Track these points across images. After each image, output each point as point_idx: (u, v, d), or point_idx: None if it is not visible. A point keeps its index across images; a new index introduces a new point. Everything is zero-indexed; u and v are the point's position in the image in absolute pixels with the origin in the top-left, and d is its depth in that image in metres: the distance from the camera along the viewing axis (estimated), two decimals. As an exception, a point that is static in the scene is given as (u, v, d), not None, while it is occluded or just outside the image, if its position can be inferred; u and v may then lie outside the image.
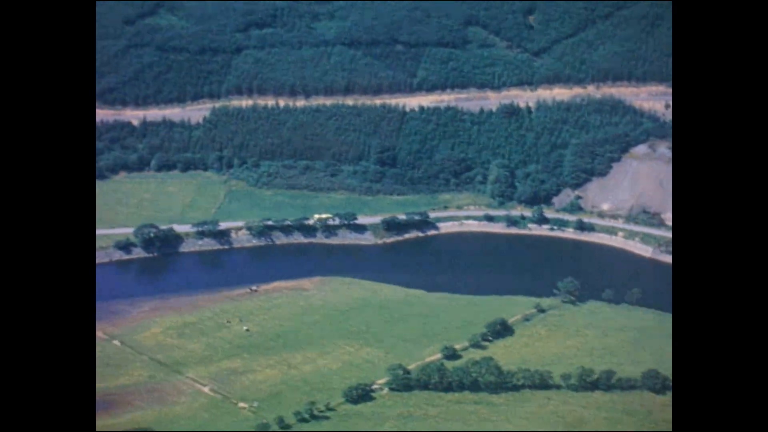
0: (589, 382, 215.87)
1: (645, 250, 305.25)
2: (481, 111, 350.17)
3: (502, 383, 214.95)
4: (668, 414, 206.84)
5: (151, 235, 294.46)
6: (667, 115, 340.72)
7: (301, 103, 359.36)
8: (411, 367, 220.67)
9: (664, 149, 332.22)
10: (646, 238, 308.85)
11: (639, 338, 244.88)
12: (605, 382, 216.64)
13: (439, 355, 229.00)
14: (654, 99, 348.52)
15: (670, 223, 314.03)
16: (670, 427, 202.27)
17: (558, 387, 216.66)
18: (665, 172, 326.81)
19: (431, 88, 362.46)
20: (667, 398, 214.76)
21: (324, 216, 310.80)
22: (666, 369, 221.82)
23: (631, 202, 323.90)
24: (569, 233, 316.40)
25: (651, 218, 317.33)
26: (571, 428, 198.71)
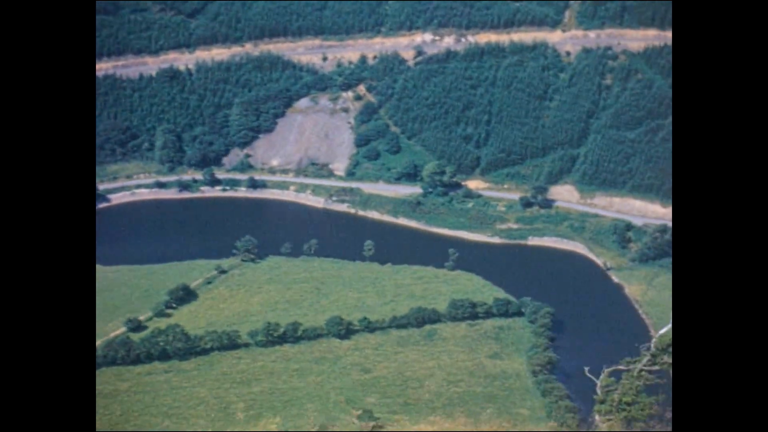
0: (276, 337, 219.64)
1: (317, 202, 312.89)
2: (141, 77, 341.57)
3: (191, 348, 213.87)
4: (355, 357, 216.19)
5: None
6: (326, 67, 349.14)
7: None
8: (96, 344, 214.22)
9: (326, 101, 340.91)
10: (317, 190, 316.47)
11: (320, 287, 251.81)
12: (292, 334, 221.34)
13: (123, 329, 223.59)
14: (311, 53, 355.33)
15: (338, 173, 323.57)
16: (354, 367, 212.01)
17: (246, 345, 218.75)
18: (329, 123, 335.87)
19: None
20: (352, 342, 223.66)
21: None
22: (347, 314, 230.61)
23: (299, 155, 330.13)
24: (242, 192, 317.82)
25: (320, 170, 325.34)
26: (258, 383, 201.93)
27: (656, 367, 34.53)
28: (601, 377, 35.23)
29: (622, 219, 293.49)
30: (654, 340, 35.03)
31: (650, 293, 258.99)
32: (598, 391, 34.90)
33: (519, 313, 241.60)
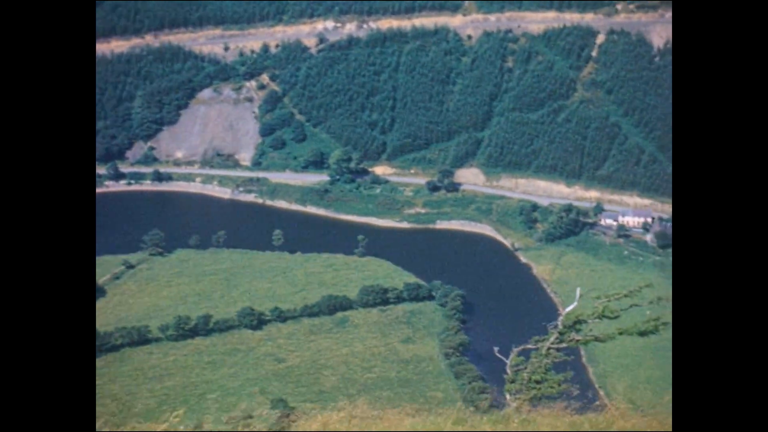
0: (187, 330, 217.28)
1: (224, 192, 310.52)
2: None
3: (101, 345, 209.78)
4: (268, 348, 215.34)
5: None
6: (228, 57, 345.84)
7: None
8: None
9: (229, 91, 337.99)
10: (223, 181, 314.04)
11: (230, 279, 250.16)
12: (203, 327, 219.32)
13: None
14: (212, 43, 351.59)
15: (244, 163, 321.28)
16: (267, 357, 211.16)
17: (157, 340, 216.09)
18: (233, 113, 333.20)
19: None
20: (264, 332, 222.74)
21: None
22: (258, 304, 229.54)
23: (204, 146, 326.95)
24: (147, 185, 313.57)
25: (225, 160, 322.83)
26: (171, 377, 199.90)
27: (564, 345, 35.22)
28: (511, 357, 35.83)
29: (527, 200, 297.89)
30: (561, 317, 35.73)
31: (558, 272, 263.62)
32: (508, 370, 35.54)
33: (430, 297, 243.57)
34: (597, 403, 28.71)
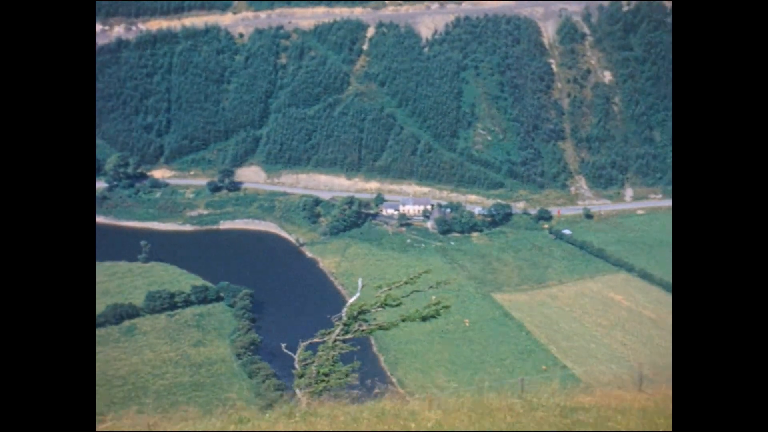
0: None
1: None
2: None
3: None
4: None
5: None
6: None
7: None
8: None
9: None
10: None
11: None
12: None
13: None
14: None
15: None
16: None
17: None
18: None
19: None
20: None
21: None
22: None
23: None
24: None
25: None
26: None
27: (350, 336, 36.15)
28: (298, 352, 36.45)
29: (310, 195, 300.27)
30: (345, 309, 36.64)
31: (344, 264, 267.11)
32: (296, 365, 36.12)
33: (218, 299, 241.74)
34: (377, 390, 29.64)
